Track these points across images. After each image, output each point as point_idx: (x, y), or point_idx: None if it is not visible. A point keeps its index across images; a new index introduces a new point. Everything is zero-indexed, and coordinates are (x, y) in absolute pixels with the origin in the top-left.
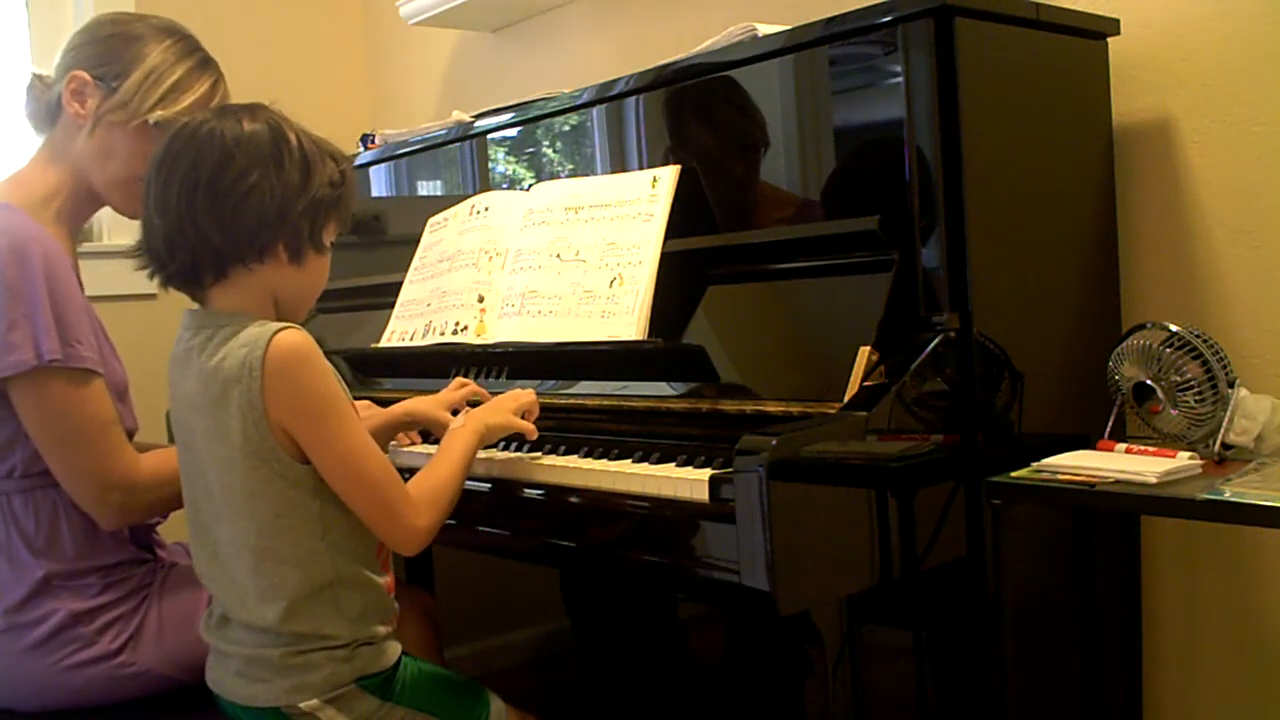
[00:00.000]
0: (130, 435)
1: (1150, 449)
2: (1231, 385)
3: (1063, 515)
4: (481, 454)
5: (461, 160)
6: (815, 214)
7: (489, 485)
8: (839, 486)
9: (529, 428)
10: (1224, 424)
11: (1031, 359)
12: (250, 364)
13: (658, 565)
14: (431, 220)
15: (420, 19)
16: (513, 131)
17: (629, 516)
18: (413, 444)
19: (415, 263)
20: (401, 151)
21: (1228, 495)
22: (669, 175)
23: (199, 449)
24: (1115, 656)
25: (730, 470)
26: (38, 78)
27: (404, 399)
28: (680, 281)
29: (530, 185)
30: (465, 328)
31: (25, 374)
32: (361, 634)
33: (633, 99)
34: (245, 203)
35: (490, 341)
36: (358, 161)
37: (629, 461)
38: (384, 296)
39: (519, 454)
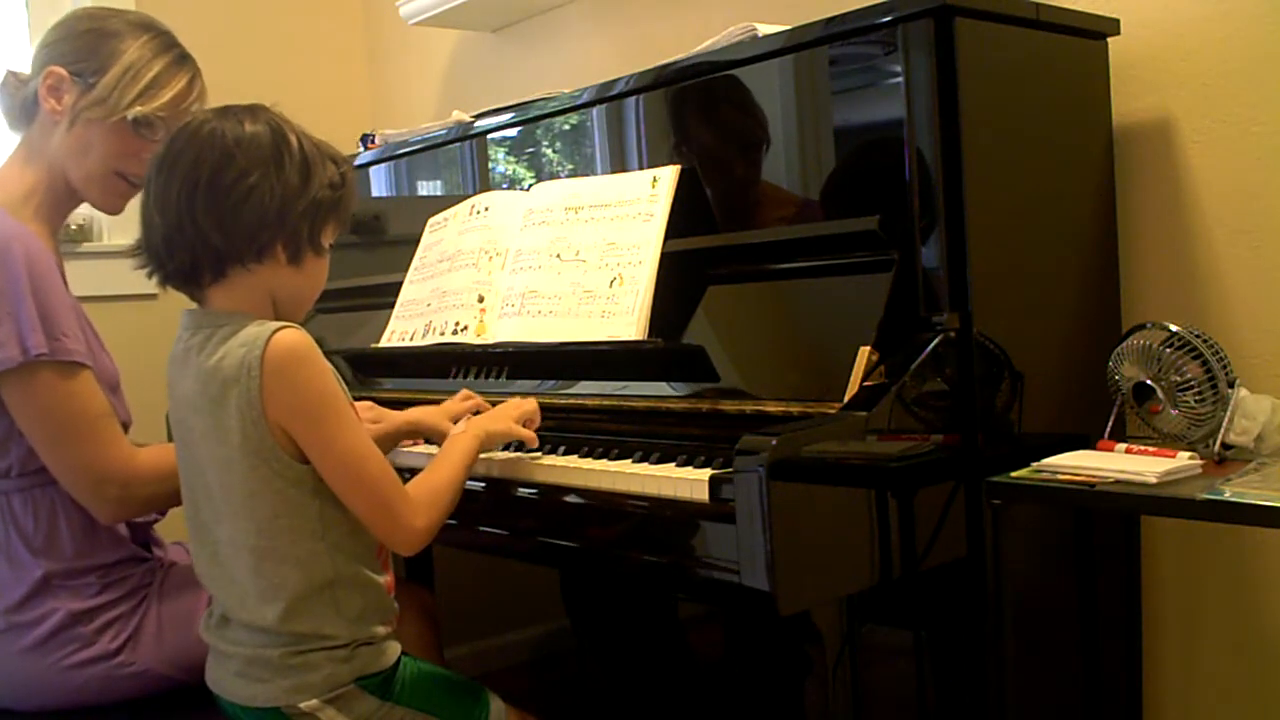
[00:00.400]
0: (125, 428)
1: (1150, 449)
2: (1231, 385)
3: (1063, 515)
4: (482, 454)
5: (461, 160)
6: (815, 214)
7: (489, 485)
8: (839, 486)
9: (530, 435)
10: (1224, 424)
11: (1031, 359)
12: (249, 364)
13: (658, 565)
14: (431, 220)
15: (420, 19)
16: (513, 131)
17: (629, 516)
18: (414, 444)
19: (415, 263)
20: (401, 151)
21: (1228, 495)
22: (669, 175)
23: (198, 449)
24: (1115, 656)
25: (730, 470)
26: (13, 75)
27: (403, 399)
28: (680, 281)
29: (530, 185)
30: (465, 328)
31: (13, 370)
32: (361, 634)
33: (633, 99)
34: (245, 203)
35: (490, 341)
36: (358, 161)
37: (629, 461)
38: (384, 296)
39: (519, 454)
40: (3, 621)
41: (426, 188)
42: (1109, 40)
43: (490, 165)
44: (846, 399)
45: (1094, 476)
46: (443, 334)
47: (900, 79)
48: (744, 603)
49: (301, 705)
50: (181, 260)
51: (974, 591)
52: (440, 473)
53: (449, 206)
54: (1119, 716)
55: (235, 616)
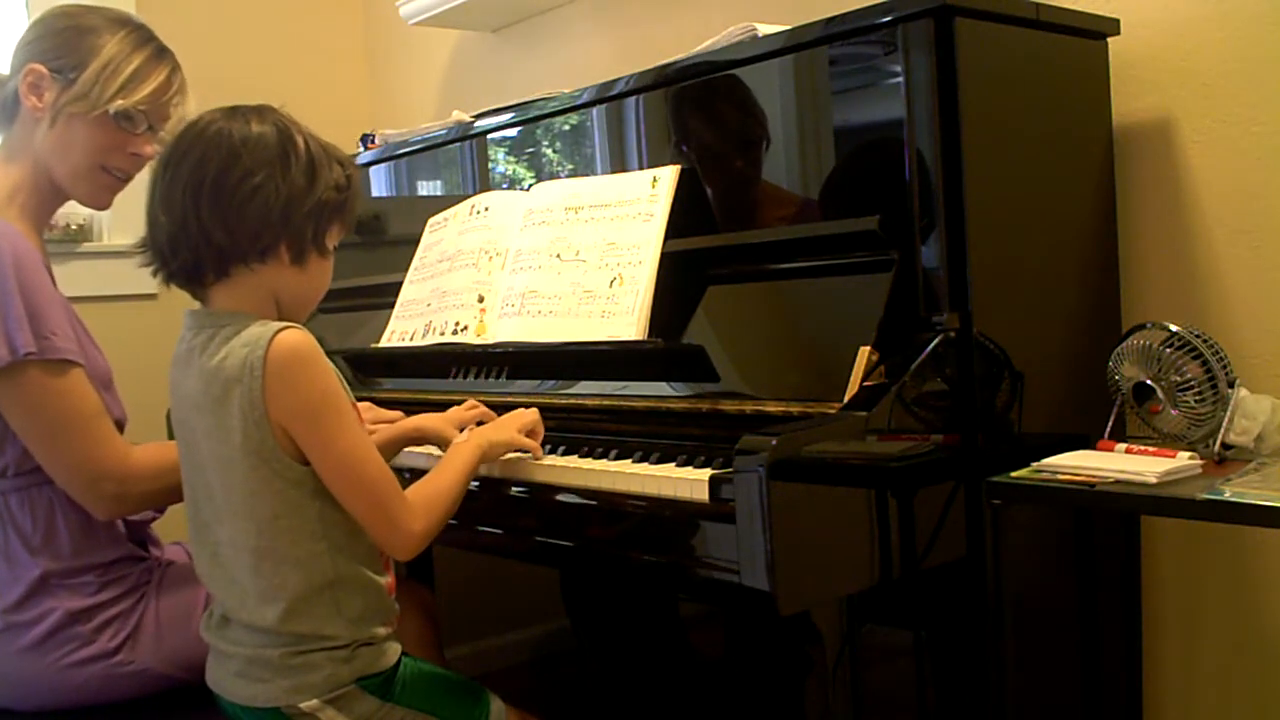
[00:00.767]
0: (120, 426)
1: (1150, 449)
2: (1231, 385)
3: (1063, 515)
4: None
5: (461, 160)
6: (815, 214)
7: (489, 485)
8: (839, 486)
9: (532, 445)
10: (1224, 424)
11: (1031, 359)
12: (251, 364)
13: (658, 565)
14: (431, 220)
15: (420, 19)
16: (513, 131)
17: (629, 516)
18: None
19: (415, 263)
20: (401, 151)
21: (1228, 495)
22: (669, 175)
23: (200, 449)
24: (1115, 656)
25: (730, 470)
26: None
27: (403, 399)
28: (680, 281)
29: (530, 185)
30: (465, 328)
31: (2, 370)
32: (361, 635)
33: (633, 99)
34: (249, 202)
35: (490, 341)
36: (357, 162)
37: (629, 461)
38: (384, 296)
39: (520, 454)
40: (1, 621)
41: (426, 188)
42: (1109, 40)
43: (490, 165)
44: (846, 399)
45: (1094, 476)
46: (443, 334)
47: (900, 79)
48: (744, 603)
49: (302, 705)
50: (185, 259)
51: (974, 591)
52: (440, 480)
53: (449, 206)
54: (1119, 716)
55: (235, 617)
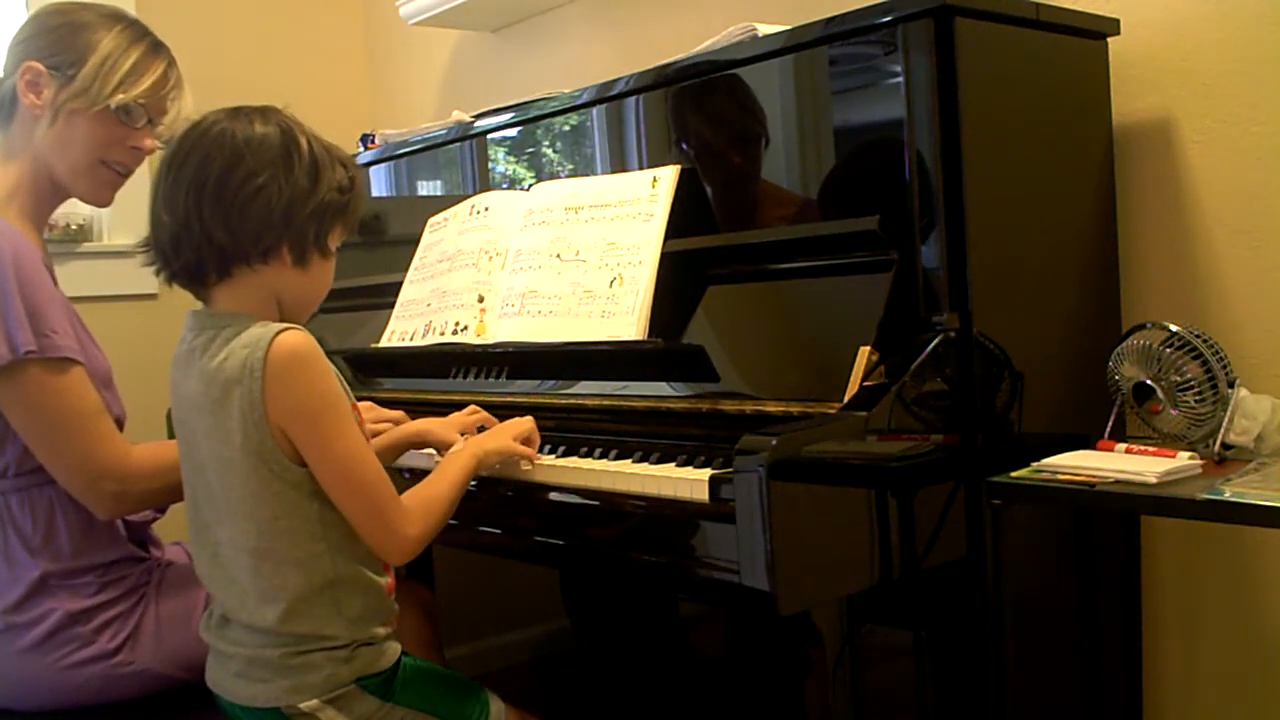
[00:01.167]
0: (120, 424)
1: (1150, 449)
2: (1231, 385)
3: (1063, 515)
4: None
5: (461, 160)
6: (815, 214)
7: (489, 485)
8: (839, 486)
9: (529, 453)
10: (1224, 424)
11: (1031, 359)
12: (252, 365)
13: (658, 565)
14: (431, 220)
15: (420, 19)
16: (513, 131)
17: (629, 516)
18: None
19: (415, 263)
20: (401, 151)
21: (1228, 495)
22: (669, 175)
23: (200, 449)
24: (1115, 656)
25: (730, 470)
26: None
27: (403, 399)
28: (680, 281)
29: (530, 185)
30: (465, 328)
31: (3, 369)
32: (361, 635)
33: (633, 99)
34: (252, 203)
35: (490, 341)
36: (358, 162)
37: (629, 461)
38: (384, 296)
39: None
40: (1, 622)
41: (426, 188)
42: (1109, 40)
43: (490, 165)
44: (846, 399)
45: (1094, 476)
46: (443, 334)
47: (900, 79)
48: (744, 602)
49: (301, 705)
50: (187, 258)
51: (974, 591)
52: (435, 486)
53: (449, 206)
54: (1119, 716)
55: (235, 617)
